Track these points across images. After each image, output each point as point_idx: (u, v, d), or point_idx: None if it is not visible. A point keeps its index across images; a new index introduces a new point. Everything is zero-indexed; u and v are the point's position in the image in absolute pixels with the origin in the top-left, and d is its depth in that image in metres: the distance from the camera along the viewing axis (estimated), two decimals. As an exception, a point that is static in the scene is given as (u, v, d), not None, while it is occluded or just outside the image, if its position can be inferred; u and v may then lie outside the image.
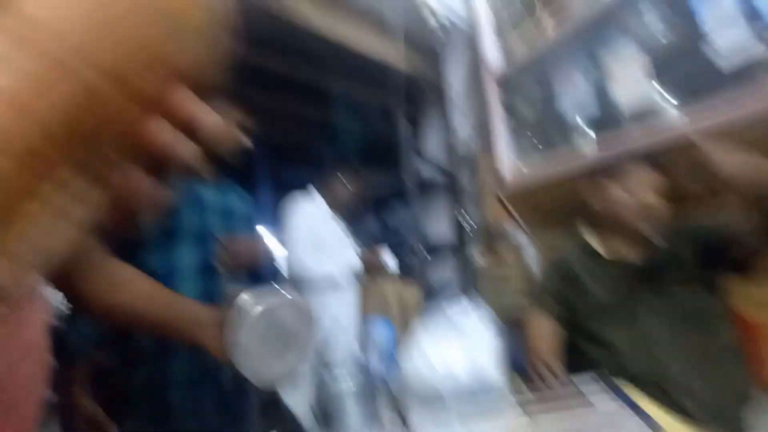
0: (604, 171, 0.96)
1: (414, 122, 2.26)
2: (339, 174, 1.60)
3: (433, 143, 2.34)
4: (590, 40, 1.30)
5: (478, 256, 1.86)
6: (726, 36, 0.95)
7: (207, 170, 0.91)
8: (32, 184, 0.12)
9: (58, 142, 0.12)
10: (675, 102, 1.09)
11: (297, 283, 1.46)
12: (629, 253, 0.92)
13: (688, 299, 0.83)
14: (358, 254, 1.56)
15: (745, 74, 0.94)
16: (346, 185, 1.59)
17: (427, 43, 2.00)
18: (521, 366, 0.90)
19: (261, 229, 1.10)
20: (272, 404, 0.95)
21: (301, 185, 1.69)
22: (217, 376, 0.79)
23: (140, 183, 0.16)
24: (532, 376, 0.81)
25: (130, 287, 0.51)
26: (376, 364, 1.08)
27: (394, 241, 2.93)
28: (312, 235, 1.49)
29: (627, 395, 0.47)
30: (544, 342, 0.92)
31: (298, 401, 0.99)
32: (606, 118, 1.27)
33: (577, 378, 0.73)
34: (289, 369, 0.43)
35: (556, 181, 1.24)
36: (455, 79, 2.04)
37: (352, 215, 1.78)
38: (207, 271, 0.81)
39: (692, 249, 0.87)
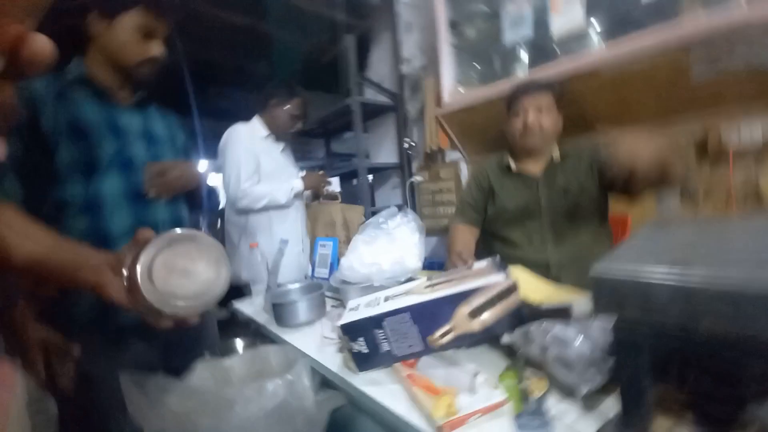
0: (512, 95, 1.07)
1: (360, 40, 2.12)
2: (279, 97, 1.52)
3: (379, 63, 2.25)
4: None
5: (417, 172, 2.00)
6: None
7: (125, 92, 0.85)
8: None
9: None
10: (599, 30, 1.18)
11: (237, 209, 1.49)
12: (533, 168, 1.08)
13: (573, 206, 1.03)
14: (302, 178, 1.59)
15: (657, 5, 1.04)
16: (287, 109, 1.53)
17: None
18: (443, 264, 1.10)
19: (195, 155, 1.07)
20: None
21: (239, 110, 1.59)
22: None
23: None
24: (449, 266, 1.00)
25: (23, 237, 0.49)
26: (321, 273, 1.23)
27: (339, 163, 2.96)
28: (253, 161, 1.47)
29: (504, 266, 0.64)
30: (463, 243, 1.12)
31: (255, 305, 1.12)
32: (540, 45, 1.33)
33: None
34: (200, 304, 0.44)
35: (487, 103, 1.33)
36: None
37: (295, 140, 1.75)
38: (138, 199, 0.80)
39: (585, 165, 1.04)
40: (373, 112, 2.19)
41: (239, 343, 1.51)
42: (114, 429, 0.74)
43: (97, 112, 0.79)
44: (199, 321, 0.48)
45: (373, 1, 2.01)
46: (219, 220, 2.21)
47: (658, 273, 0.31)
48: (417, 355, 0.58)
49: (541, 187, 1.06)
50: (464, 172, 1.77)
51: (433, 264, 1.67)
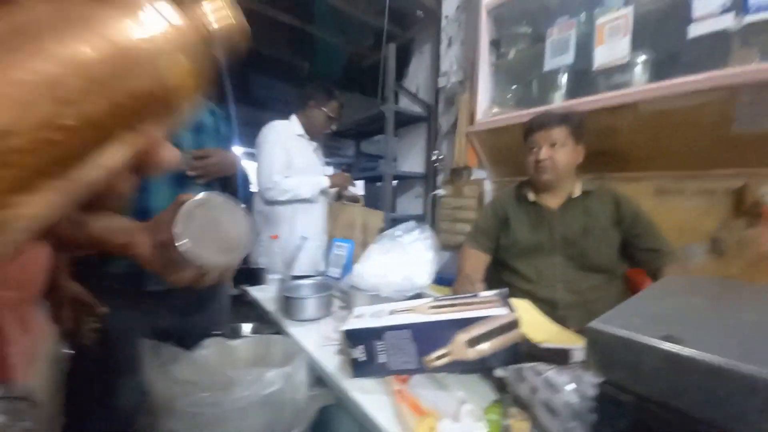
0: (527, 128, 1.07)
1: (402, 50, 2.15)
2: (318, 99, 1.58)
3: (417, 73, 2.28)
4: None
5: (442, 186, 2.00)
6: (706, 4, 0.98)
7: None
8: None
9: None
10: (643, 64, 1.15)
11: (265, 199, 1.56)
12: (551, 202, 1.07)
13: (588, 246, 1.00)
14: (328, 176, 1.64)
15: (706, 43, 1.01)
16: (323, 110, 1.59)
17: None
18: (451, 282, 1.11)
19: (234, 145, 1.14)
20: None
21: (278, 101, 1.66)
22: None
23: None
24: (456, 290, 1.01)
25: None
26: (333, 273, 1.27)
27: (366, 167, 3.00)
28: (285, 156, 1.54)
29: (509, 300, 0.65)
30: (472, 268, 1.12)
31: (267, 292, 1.17)
32: (581, 74, 1.31)
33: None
34: (226, 259, 0.47)
35: (520, 126, 1.32)
36: (449, 8, 1.92)
37: (327, 139, 1.81)
38: (178, 182, 0.88)
39: (609, 210, 1.02)
40: (405, 121, 2.22)
41: (247, 327, 1.58)
42: (123, 389, 0.81)
43: None
44: (218, 281, 0.50)
45: (417, 13, 2.04)
46: (247, 207, 2.29)
47: (652, 340, 0.32)
48: (410, 372, 0.59)
49: (557, 223, 1.04)
50: (488, 192, 1.76)
51: (444, 279, 1.67)
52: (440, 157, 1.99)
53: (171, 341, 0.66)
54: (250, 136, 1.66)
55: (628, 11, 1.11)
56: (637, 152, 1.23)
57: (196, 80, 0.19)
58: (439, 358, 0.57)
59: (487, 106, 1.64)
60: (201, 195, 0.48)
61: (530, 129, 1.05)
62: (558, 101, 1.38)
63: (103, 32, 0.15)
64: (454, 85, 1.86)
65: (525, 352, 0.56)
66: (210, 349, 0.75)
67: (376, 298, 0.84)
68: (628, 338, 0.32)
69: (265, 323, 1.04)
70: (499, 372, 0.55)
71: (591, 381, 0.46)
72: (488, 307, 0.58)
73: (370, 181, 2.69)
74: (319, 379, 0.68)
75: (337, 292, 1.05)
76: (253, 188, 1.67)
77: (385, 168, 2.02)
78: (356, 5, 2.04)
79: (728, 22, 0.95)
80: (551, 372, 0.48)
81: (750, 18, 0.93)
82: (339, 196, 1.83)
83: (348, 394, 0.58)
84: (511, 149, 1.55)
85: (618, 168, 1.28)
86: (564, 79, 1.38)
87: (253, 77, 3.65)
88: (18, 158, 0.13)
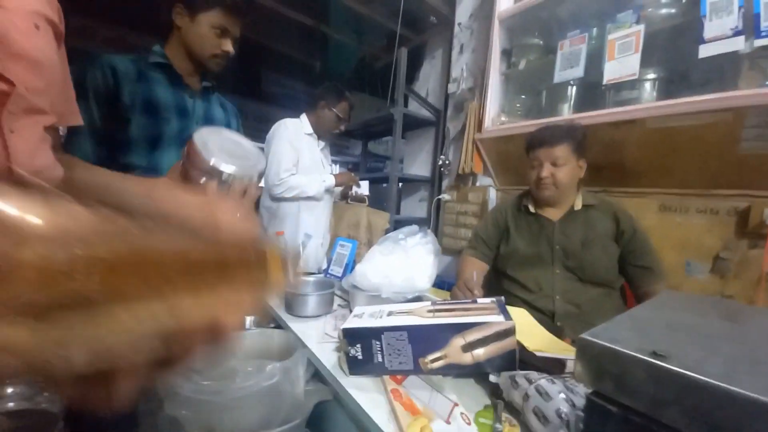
0: (528, 144, 1.08)
1: (414, 54, 2.17)
2: (328, 100, 1.61)
3: (428, 78, 2.29)
4: (600, 7, 1.28)
5: (446, 191, 2.02)
6: (718, 25, 0.99)
7: (194, 80, 0.95)
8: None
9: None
10: (652, 80, 1.16)
11: (272, 196, 1.59)
12: (552, 213, 1.08)
13: (587, 259, 1.01)
14: (334, 175, 1.67)
15: (715, 64, 1.02)
16: (333, 111, 1.61)
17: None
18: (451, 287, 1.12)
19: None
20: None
21: (289, 98, 1.68)
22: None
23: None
24: (455, 295, 1.02)
25: (99, 171, 0.59)
26: (335, 271, 1.29)
27: (373, 167, 3.02)
28: (294, 154, 1.56)
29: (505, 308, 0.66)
30: (471, 274, 1.13)
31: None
32: (590, 87, 1.32)
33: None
34: (246, 165, 0.52)
35: (525, 136, 1.33)
36: (463, 15, 1.94)
37: (334, 138, 1.83)
38: None
39: (609, 224, 1.03)
40: (413, 124, 2.23)
41: (248, 319, 1.60)
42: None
43: (169, 95, 0.89)
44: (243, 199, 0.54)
45: (431, 19, 2.05)
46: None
47: (638, 354, 0.33)
48: (406, 373, 0.61)
49: (557, 234, 1.06)
50: (492, 199, 1.77)
51: (444, 283, 1.69)
52: (446, 162, 2.01)
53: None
54: (260, 130, 1.69)
55: (640, 29, 1.12)
56: (643, 168, 1.23)
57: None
58: (434, 360, 0.58)
59: (495, 114, 1.65)
60: (204, 127, 0.53)
61: (532, 144, 1.06)
62: (566, 113, 1.39)
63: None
64: (463, 91, 1.87)
65: (520, 359, 0.57)
66: (213, 340, 0.78)
67: (376, 299, 0.86)
68: (616, 351, 0.34)
69: (267, 317, 1.06)
70: (493, 377, 0.57)
71: (581, 391, 0.47)
72: (485, 314, 0.59)
73: (375, 182, 2.71)
74: (317, 375, 0.70)
75: (338, 290, 1.07)
76: (261, 184, 1.69)
77: (391, 170, 2.04)
78: (371, 8, 2.06)
79: (739, 44, 0.96)
80: (544, 380, 0.50)
81: (761, 42, 0.94)
82: (345, 196, 1.85)
83: (345, 391, 0.60)
84: (518, 158, 1.56)
85: (623, 183, 1.29)
86: (573, 91, 1.39)
87: (265, 73, 3.69)
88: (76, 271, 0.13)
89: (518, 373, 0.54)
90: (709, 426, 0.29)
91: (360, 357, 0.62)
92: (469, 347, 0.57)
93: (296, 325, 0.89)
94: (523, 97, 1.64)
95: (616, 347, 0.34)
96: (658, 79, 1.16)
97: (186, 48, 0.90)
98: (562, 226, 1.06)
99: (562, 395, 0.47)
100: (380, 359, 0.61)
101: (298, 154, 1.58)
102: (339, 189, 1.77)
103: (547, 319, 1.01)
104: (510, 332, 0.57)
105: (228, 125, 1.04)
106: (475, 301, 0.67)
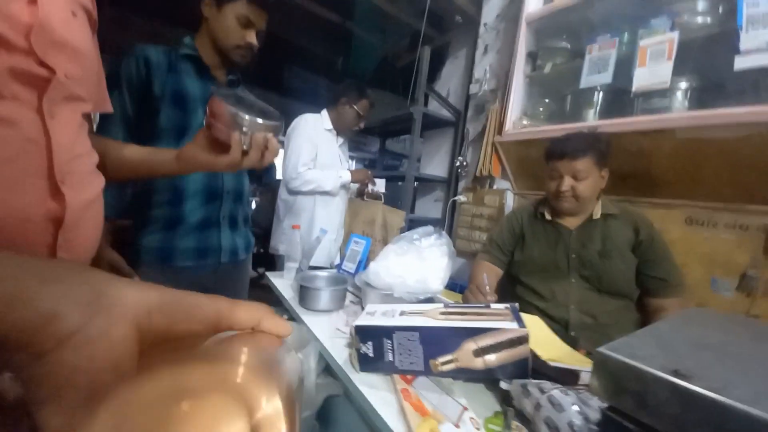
0: (549, 152, 1.04)
1: (437, 53, 2.16)
2: (349, 97, 1.61)
3: (450, 78, 2.27)
4: (632, 11, 1.24)
5: (463, 193, 2.00)
6: (754, 37, 0.95)
7: (221, 72, 0.97)
8: None
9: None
10: (684, 90, 1.12)
11: (289, 189, 1.61)
12: (569, 222, 1.06)
13: (604, 269, 0.99)
14: (351, 171, 1.67)
15: (751, 77, 0.97)
16: (353, 108, 1.61)
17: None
18: (464, 289, 1.11)
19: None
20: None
21: (309, 92, 1.69)
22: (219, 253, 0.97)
23: None
24: (467, 299, 1.01)
25: (129, 147, 0.63)
26: (348, 267, 1.30)
27: (389, 165, 3.01)
28: (312, 149, 1.58)
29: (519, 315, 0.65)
30: (484, 279, 1.12)
31: (284, 279, 1.21)
32: (618, 94, 1.29)
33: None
34: (266, 122, 0.54)
35: (548, 141, 1.31)
36: (489, 15, 1.91)
37: (353, 135, 1.84)
38: None
39: (629, 234, 1.00)
40: (433, 124, 2.22)
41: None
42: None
43: (197, 86, 0.92)
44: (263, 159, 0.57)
45: (456, 18, 2.03)
46: (271, 196, 2.36)
47: (660, 372, 0.32)
48: (416, 373, 0.61)
49: (574, 243, 1.03)
50: (509, 203, 1.75)
51: (456, 285, 1.68)
52: (464, 164, 1.99)
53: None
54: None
55: (674, 36, 1.08)
56: (670, 179, 1.19)
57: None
58: (445, 363, 0.58)
59: (517, 117, 1.62)
60: (221, 90, 0.55)
61: (553, 154, 1.02)
62: (591, 119, 1.35)
63: None
64: (485, 93, 1.85)
65: (533, 368, 0.57)
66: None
67: (389, 298, 0.86)
68: (636, 367, 0.33)
69: (280, 308, 1.08)
70: (504, 384, 0.56)
71: (596, 405, 0.47)
72: (499, 320, 0.59)
73: (391, 180, 2.71)
74: (327, 369, 0.71)
75: (350, 286, 1.08)
76: (278, 176, 1.72)
77: (408, 168, 2.03)
78: (397, 6, 2.06)
79: (778, 56, 0.91)
80: (556, 391, 0.49)
81: (803, 53, 0.89)
82: (361, 193, 1.86)
83: (355, 387, 0.61)
84: (537, 163, 1.53)
85: (648, 193, 1.25)
86: (599, 97, 1.35)
87: (288, 67, 3.73)
88: None
89: (530, 381, 0.53)
90: (732, 451, 0.28)
91: (371, 354, 0.63)
92: (480, 352, 0.57)
93: (308, 319, 0.90)
94: (546, 101, 1.61)
95: (637, 364, 0.33)
96: (690, 88, 1.12)
97: (212, 39, 0.92)
98: (579, 234, 1.04)
99: (576, 407, 0.46)
100: (391, 358, 0.61)
101: (317, 149, 1.60)
102: (355, 185, 1.78)
103: (561, 328, 0.99)
104: (523, 340, 0.56)
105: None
106: (488, 306, 0.67)
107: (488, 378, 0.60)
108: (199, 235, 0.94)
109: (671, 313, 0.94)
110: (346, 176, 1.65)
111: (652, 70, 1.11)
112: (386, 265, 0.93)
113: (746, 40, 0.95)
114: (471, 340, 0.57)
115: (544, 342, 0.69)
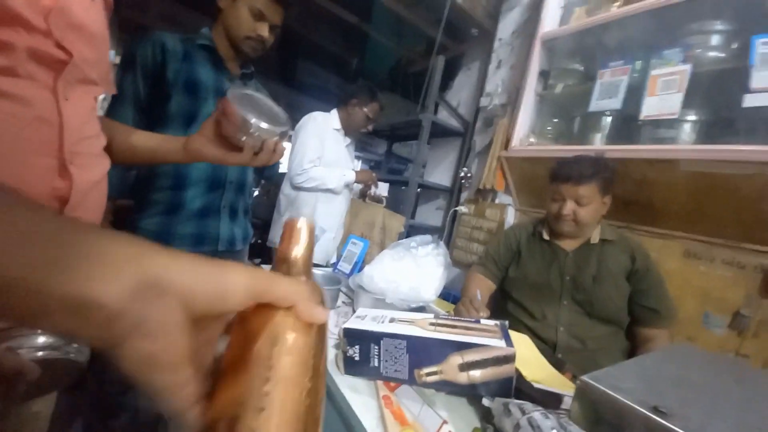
0: (554, 174, 1.05)
1: (450, 63, 2.17)
2: (360, 98, 1.62)
3: (461, 88, 2.28)
4: (646, 40, 1.24)
5: (464, 203, 2.01)
6: (766, 76, 0.95)
7: (235, 64, 0.98)
8: None
9: None
10: (692, 122, 1.12)
11: (293, 184, 1.61)
12: (567, 243, 1.06)
13: (597, 295, 0.99)
14: (355, 171, 1.68)
15: (760, 115, 0.98)
16: (364, 110, 1.62)
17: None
18: (456, 300, 1.11)
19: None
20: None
21: (321, 89, 1.69)
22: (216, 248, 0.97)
23: None
24: (459, 311, 1.01)
25: (140, 134, 0.64)
26: (344, 268, 1.30)
27: (394, 169, 3.02)
28: (319, 147, 1.59)
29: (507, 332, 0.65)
30: (476, 291, 1.12)
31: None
32: (626, 120, 1.29)
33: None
34: (274, 125, 0.56)
35: (554, 161, 1.32)
36: (505, 31, 1.92)
37: (361, 135, 1.85)
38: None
39: (625, 262, 1.00)
40: (440, 132, 2.23)
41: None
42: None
43: (210, 76, 0.92)
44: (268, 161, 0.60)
45: (472, 31, 2.04)
46: (273, 189, 2.37)
47: (641, 406, 0.33)
48: (400, 381, 0.61)
49: (569, 265, 1.03)
50: (510, 218, 1.75)
51: (450, 295, 1.68)
52: (468, 175, 1.99)
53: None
54: (290, 118, 1.72)
55: (686, 68, 1.08)
56: (672, 210, 1.19)
57: None
58: (430, 374, 0.58)
59: (525, 134, 1.63)
60: (236, 88, 0.57)
61: (557, 177, 1.02)
62: (598, 143, 1.36)
63: None
64: (495, 107, 1.85)
65: (516, 387, 0.57)
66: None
67: (381, 303, 0.86)
68: (616, 399, 0.33)
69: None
70: (486, 401, 0.57)
71: (574, 431, 0.47)
72: (487, 336, 0.59)
73: (395, 184, 2.71)
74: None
75: (343, 287, 1.08)
76: (283, 170, 1.73)
77: (412, 174, 2.04)
78: (415, 13, 2.07)
79: (790, 97, 0.91)
80: (537, 413, 0.49)
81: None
82: (364, 194, 1.86)
83: (338, 389, 0.61)
84: (541, 181, 1.54)
85: (648, 222, 1.25)
86: (608, 122, 1.35)
87: (301, 63, 3.75)
88: None
89: (513, 401, 0.53)
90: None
91: (357, 358, 0.63)
92: (466, 367, 0.57)
93: (299, 316, 0.90)
94: (555, 120, 1.61)
95: (617, 396, 0.33)
96: (699, 121, 1.12)
97: (226, 30, 0.93)
98: (575, 257, 1.04)
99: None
100: (376, 364, 0.62)
101: (324, 148, 1.61)
102: (358, 186, 1.79)
103: (549, 349, 0.99)
104: (510, 359, 0.56)
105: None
106: (478, 321, 0.67)
107: (471, 393, 0.60)
108: (198, 222, 0.94)
109: (659, 344, 0.94)
110: (351, 176, 1.66)
111: (662, 100, 1.12)
112: (381, 270, 0.93)
113: (758, 79, 0.96)
114: (457, 354, 0.57)
115: (530, 362, 0.69)
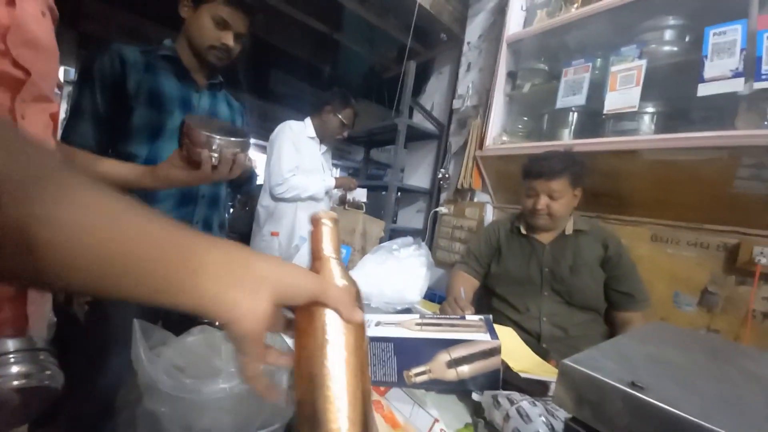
0: (526, 170, 1.08)
1: (422, 67, 2.21)
2: (334, 105, 1.62)
3: (434, 92, 2.33)
4: (605, 39, 1.31)
5: (444, 204, 2.03)
6: (718, 66, 1.02)
7: (201, 76, 0.96)
8: None
9: None
10: (651, 114, 1.19)
11: (273, 195, 1.59)
12: (543, 237, 1.09)
13: (575, 283, 1.02)
14: (335, 178, 1.67)
15: (713, 103, 1.04)
16: (338, 117, 1.62)
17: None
18: (441, 300, 1.12)
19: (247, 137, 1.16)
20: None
21: (294, 99, 1.68)
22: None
23: None
24: (444, 310, 1.02)
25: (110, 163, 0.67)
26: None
27: (373, 174, 3.03)
28: (296, 156, 1.57)
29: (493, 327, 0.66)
30: (461, 290, 1.13)
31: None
32: (591, 115, 1.35)
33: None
34: (235, 139, 0.64)
35: (526, 158, 1.36)
36: (473, 35, 1.98)
37: (337, 143, 1.85)
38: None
39: (598, 250, 1.04)
40: (417, 136, 2.26)
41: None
42: (109, 364, 0.82)
43: (175, 88, 0.90)
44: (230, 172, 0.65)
45: (441, 36, 2.10)
46: (251, 202, 2.32)
47: (620, 383, 0.34)
48: (389, 385, 0.61)
49: (547, 257, 1.07)
50: (489, 216, 1.79)
51: (435, 296, 1.69)
52: (446, 176, 2.03)
53: (159, 323, 0.68)
54: (264, 128, 1.70)
55: (642, 63, 1.15)
56: (638, 198, 1.25)
57: None
58: (418, 374, 0.58)
59: (497, 133, 1.68)
60: (194, 115, 0.63)
61: (530, 173, 1.06)
62: (566, 138, 1.41)
63: None
64: (468, 108, 1.90)
65: (504, 379, 0.58)
66: (198, 337, 0.77)
67: (366, 308, 0.86)
68: (596, 378, 0.34)
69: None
70: (475, 396, 0.57)
71: (562, 416, 0.48)
72: (472, 331, 0.60)
73: (374, 189, 2.72)
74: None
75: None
76: (259, 181, 1.70)
77: (391, 178, 2.05)
78: (385, 20, 2.10)
79: (738, 86, 0.98)
80: (525, 402, 0.50)
81: (761, 84, 0.96)
82: (343, 201, 1.85)
83: (326, 398, 0.59)
84: (516, 178, 1.58)
85: (618, 211, 1.31)
86: (574, 117, 1.41)
87: (274, 73, 3.72)
88: None
89: (501, 393, 0.54)
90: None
91: (344, 365, 0.62)
92: (454, 363, 0.57)
93: (283, 328, 0.88)
94: (525, 119, 1.67)
95: (596, 375, 0.34)
96: (657, 113, 1.19)
97: (189, 40, 0.90)
98: (552, 249, 1.07)
99: (542, 419, 0.47)
100: (365, 369, 0.61)
101: (300, 157, 1.59)
102: (337, 193, 1.78)
103: (533, 340, 1.01)
104: (495, 351, 0.57)
105: (233, 123, 1.05)
106: (463, 318, 0.68)
107: (461, 389, 0.60)
108: None
109: (635, 327, 0.98)
110: (331, 182, 1.65)
111: (622, 95, 1.18)
112: (364, 274, 0.93)
113: (710, 69, 1.03)
114: (445, 351, 0.58)
115: (516, 353, 0.71)
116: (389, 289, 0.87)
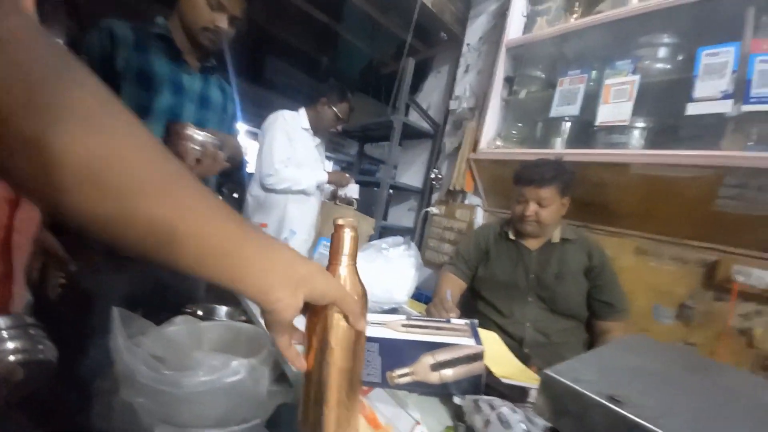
0: (517, 176, 1.09)
1: (420, 66, 2.20)
2: (330, 98, 1.60)
3: (431, 91, 2.32)
4: (601, 51, 1.33)
5: (435, 205, 2.04)
6: (708, 86, 1.04)
7: (194, 57, 0.93)
8: None
9: None
10: (642, 128, 1.21)
11: (263, 186, 1.56)
12: (531, 243, 1.11)
13: (560, 291, 1.04)
14: (328, 172, 1.66)
15: (701, 123, 1.07)
16: (333, 110, 1.60)
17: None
18: (429, 300, 1.13)
19: (237, 122, 1.12)
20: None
21: (290, 87, 1.65)
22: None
23: None
24: (430, 312, 1.03)
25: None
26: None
27: (366, 170, 3.01)
28: (289, 146, 1.55)
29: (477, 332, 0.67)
30: (447, 292, 1.14)
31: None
32: (584, 125, 1.37)
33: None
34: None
35: (519, 163, 1.37)
36: (473, 37, 1.98)
37: (331, 136, 1.83)
38: None
39: (583, 259, 1.06)
40: (411, 134, 2.25)
41: (221, 309, 1.57)
42: (86, 353, 0.80)
43: (165, 68, 0.87)
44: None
45: (441, 35, 2.09)
46: (240, 190, 2.28)
47: (599, 396, 0.34)
48: (372, 385, 0.61)
49: (533, 264, 1.08)
50: (479, 219, 1.80)
51: (422, 296, 1.70)
52: (439, 176, 2.03)
53: (140, 310, 0.66)
54: (256, 115, 1.66)
55: (635, 78, 1.17)
56: (625, 210, 1.28)
57: None
58: (402, 376, 0.58)
59: (491, 137, 1.68)
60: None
61: (520, 180, 1.07)
62: (559, 147, 1.43)
63: None
64: (464, 110, 1.90)
65: (486, 384, 0.58)
66: (179, 327, 0.75)
67: (353, 306, 0.85)
68: (576, 390, 0.35)
69: (239, 309, 1.04)
70: (457, 399, 0.57)
71: (541, 423, 0.48)
72: (457, 336, 0.60)
73: (367, 185, 2.71)
74: (282, 376, 0.69)
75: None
76: (249, 170, 1.67)
77: (384, 175, 2.04)
78: (386, 16, 2.08)
79: (726, 107, 1.01)
80: (506, 408, 0.51)
81: (748, 107, 0.99)
82: (334, 196, 1.84)
83: (309, 396, 0.59)
84: (508, 183, 1.59)
85: (604, 221, 1.33)
86: (567, 127, 1.43)
87: (269, 60, 3.65)
88: None
89: (482, 398, 0.54)
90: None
91: (328, 363, 0.62)
92: (437, 366, 0.58)
93: (268, 322, 0.87)
94: (519, 125, 1.68)
95: (576, 387, 0.35)
96: (647, 128, 1.21)
97: (182, 21, 0.88)
98: (539, 256, 1.09)
99: (522, 425, 0.47)
100: (348, 368, 0.61)
101: (293, 148, 1.57)
102: (329, 187, 1.76)
103: (516, 344, 1.03)
104: (479, 356, 0.57)
105: (224, 108, 1.03)
106: (449, 321, 0.68)
107: (443, 393, 0.61)
108: None
109: (615, 336, 1.00)
110: (323, 176, 1.63)
111: (615, 108, 1.20)
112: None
113: (700, 89, 1.05)
114: (429, 354, 0.58)
115: (499, 359, 0.71)
116: (378, 289, 0.87)
